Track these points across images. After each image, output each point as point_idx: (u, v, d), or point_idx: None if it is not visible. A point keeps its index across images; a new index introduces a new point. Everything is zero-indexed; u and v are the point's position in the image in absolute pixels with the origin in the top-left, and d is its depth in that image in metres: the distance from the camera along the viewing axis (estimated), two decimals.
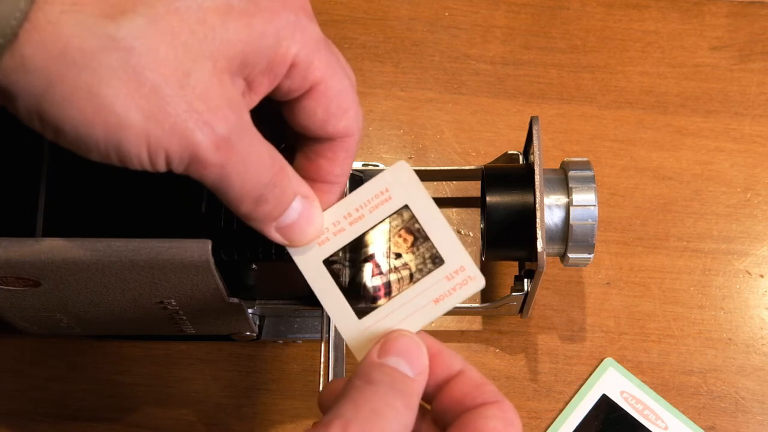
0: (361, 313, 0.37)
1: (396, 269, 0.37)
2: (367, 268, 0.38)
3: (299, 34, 0.34)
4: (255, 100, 0.35)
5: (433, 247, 0.37)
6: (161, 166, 0.32)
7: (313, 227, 0.37)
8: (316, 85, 0.35)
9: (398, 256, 0.37)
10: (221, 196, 0.34)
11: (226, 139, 0.32)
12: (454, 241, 0.37)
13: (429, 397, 0.35)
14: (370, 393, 0.33)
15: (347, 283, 0.38)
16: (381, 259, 0.38)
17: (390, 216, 0.38)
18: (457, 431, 0.33)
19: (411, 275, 0.37)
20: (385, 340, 0.35)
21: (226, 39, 0.32)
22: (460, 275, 0.36)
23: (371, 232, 0.38)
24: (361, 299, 0.37)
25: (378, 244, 0.38)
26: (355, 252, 0.38)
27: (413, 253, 0.37)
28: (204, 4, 0.32)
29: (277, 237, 0.37)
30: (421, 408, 0.36)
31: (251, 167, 0.34)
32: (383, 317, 0.37)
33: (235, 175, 0.33)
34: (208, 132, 0.32)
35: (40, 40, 0.29)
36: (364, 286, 0.38)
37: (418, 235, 0.37)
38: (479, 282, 0.36)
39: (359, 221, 0.38)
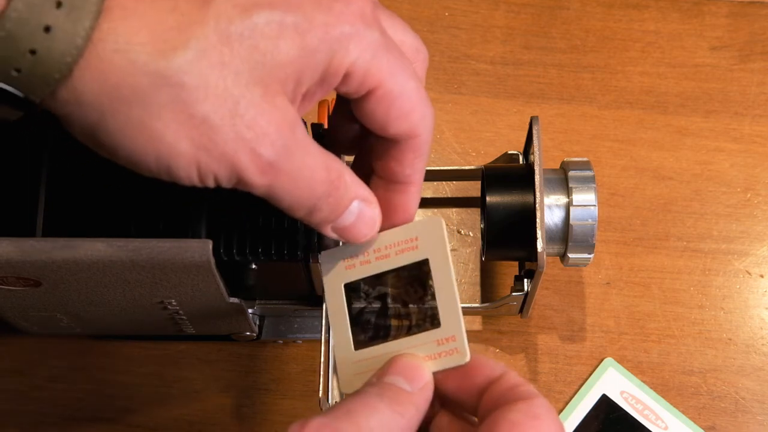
0: (357, 345, 0.38)
1: (399, 316, 0.38)
2: (376, 306, 0.39)
3: (354, 44, 0.34)
4: (308, 107, 0.35)
5: (436, 307, 0.37)
6: (210, 185, 0.34)
7: (369, 228, 0.38)
8: (374, 89, 0.35)
9: (405, 304, 0.38)
10: (273, 204, 0.35)
11: (272, 163, 0.33)
12: (456, 310, 0.37)
13: (473, 405, 0.35)
14: (351, 398, 0.33)
15: (356, 313, 0.39)
16: (390, 301, 0.39)
17: (410, 264, 0.38)
18: (483, 426, 0.33)
19: (409, 327, 0.38)
20: (386, 365, 0.36)
21: (277, 62, 0.32)
22: (450, 344, 0.37)
23: (391, 273, 0.39)
24: (362, 332, 0.38)
25: (392, 287, 0.39)
26: (372, 286, 0.39)
27: (418, 306, 0.38)
28: (257, 27, 0.32)
29: (332, 235, 0.37)
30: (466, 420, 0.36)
31: (301, 183, 0.34)
32: (374, 356, 0.38)
33: (284, 191, 0.34)
34: (253, 158, 0.32)
35: (92, 76, 0.30)
36: (368, 321, 0.38)
37: (427, 292, 0.38)
38: (464, 357, 0.36)
39: (384, 259, 0.39)
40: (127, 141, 0.31)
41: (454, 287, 0.37)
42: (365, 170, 0.39)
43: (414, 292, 0.38)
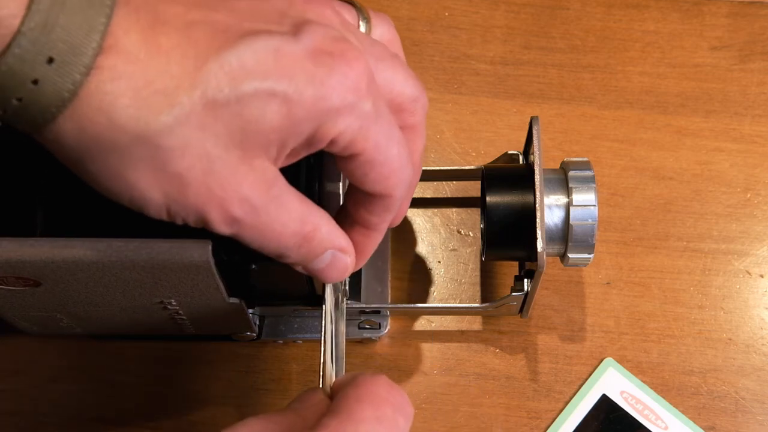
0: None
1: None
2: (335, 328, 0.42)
3: (342, 117, 0.34)
4: (292, 161, 0.36)
5: None
6: (180, 224, 0.35)
7: (339, 274, 0.40)
8: (356, 156, 0.36)
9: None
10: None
11: (238, 220, 0.34)
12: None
13: None
14: None
15: (334, 334, 0.41)
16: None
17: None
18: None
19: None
20: None
21: (260, 129, 0.33)
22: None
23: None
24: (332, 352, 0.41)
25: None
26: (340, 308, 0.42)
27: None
28: (243, 96, 0.32)
29: (301, 270, 0.39)
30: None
31: (269, 235, 0.36)
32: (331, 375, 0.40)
33: (251, 240, 0.36)
34: (220, 212, 0.34)
35: (73, 127, 0.31)
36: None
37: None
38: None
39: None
40: (104, 181, 0.33)
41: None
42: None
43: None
